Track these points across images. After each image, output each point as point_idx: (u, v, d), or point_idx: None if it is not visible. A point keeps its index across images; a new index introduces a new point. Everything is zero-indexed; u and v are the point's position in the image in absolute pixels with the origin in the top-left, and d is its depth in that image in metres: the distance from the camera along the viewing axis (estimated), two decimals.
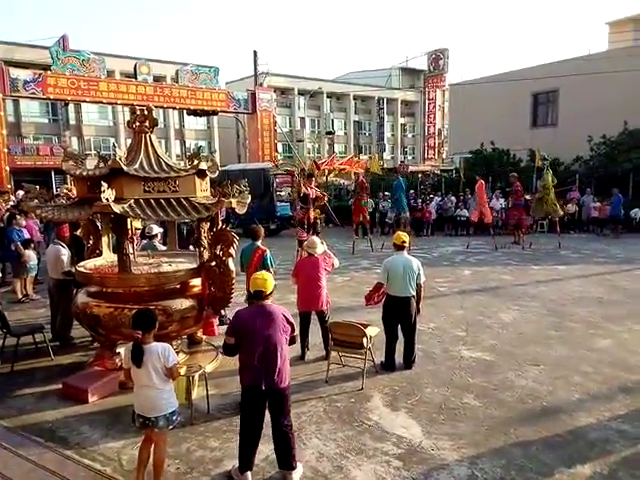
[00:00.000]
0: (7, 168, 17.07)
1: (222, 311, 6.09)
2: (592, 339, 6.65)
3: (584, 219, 17.91)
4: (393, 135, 52.88)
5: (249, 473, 3.70)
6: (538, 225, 17.63)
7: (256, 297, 3.80)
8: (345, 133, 50.07)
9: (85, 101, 20.01)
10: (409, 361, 5.76)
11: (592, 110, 20.42)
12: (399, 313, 5.69)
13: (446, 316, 7.78)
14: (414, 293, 5.68)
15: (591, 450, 4.04)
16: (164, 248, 7.32)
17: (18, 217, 9.94)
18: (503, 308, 8.19)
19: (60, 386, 5.23)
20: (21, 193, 14.05)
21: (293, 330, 3.83)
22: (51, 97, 18.37)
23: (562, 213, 14.64)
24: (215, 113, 23.72)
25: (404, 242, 5.82)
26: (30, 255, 9.26)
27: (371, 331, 5.50)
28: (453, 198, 19.01)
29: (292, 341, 3.94)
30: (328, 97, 47.54)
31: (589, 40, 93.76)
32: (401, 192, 14.79)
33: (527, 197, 15.06)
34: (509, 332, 7.00)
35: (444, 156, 43.31)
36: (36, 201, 5.36)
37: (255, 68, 25.92)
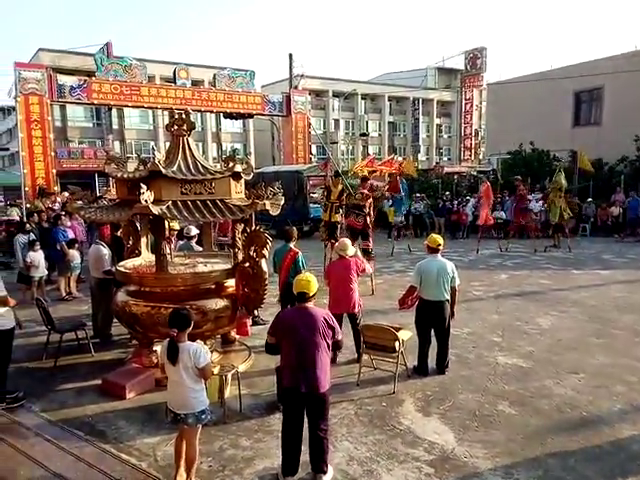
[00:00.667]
0: (54, 171, 17.82)
1: (255, 311, 6.17)
2: (637, 347, 6.36)
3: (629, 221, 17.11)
4: (428, 136, 52.18)
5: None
6: (580, 228, 17.02)
7: (299, 299, 3.80)
8: (379, 134, 49.77)
9: (127, 106, 20.68)
10: (442, 366, 5.67)
11: (639, 108, 19.53)
12: (432, 317, 5.61)
13: (481, 321, 7.61)
14: (448, 297, 5.58)
15: (634, 463, 3.86)
16: (200, 249, 7.48)
17: (63, 217, 10.39)
18: (541, 313, 7.94)
19: (100, 382, 5.42)
20: (66, 194, 14.69)
21: (336, 334, 3.77)
22: (95, 102, 19.07)
23: (567, 217, 14.17)
24: (251, 116, 24.04)
25: (439, 245, 5.73)
26: (74, 254, 9.65)
27: (403, 335, 5.44)
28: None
29: (336, 345, 3.92)
30: (362, 98, 47.39)
31: (635, 36, 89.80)
32: (403, 195, 13.71)
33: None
34: (547, 338, 6.78)
35: (481, 157, 42.43)
36: (80, 202, 5.59)
37: (290, 71, 26.13)
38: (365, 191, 10.32)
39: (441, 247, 5.76)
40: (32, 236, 9.71)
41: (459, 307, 6.08)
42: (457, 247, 15.10)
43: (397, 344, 5.20)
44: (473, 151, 47.17)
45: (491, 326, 7.35)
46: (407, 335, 5.59)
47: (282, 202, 6.06)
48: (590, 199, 17.27)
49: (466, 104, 47.68)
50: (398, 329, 5.41)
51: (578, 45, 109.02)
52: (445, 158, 52.13)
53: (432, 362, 5.69)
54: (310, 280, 3.82)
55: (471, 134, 47.51)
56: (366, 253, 9.96)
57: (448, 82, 51.87)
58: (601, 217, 17.15)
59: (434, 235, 5.97)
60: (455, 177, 26.15)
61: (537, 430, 4.38)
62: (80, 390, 5.39)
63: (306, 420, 3.75)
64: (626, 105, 20.20)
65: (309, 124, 24.09)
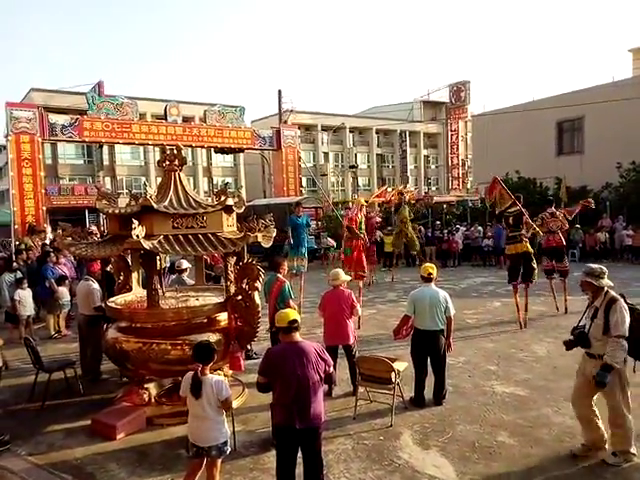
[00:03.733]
0: (44, 208, 17.78)
1: (248, 345, 6.09)
2: (634, 373, 6.32)
3: (617, 247, 17.35)
4: (416, 167, 53.07)
5: None
6: (569, 254, 17.17)
7: (285, 331, 3.69)
8: (368, 166, 50.53)
9: (118, 143, 20.88)
10: (439, 397, 5.59)
11: (619, 136, 20.13)
12: (427, 347, 5.57)
13: (476, 349, 7.56)
14: (442, 326, 5.56)
15: None
16: (192, 282, 7.43)
17: (52, 254, 10.29)
18: (536, 340, 7.92)
19: (89, 422, 5.27)
20: (49, 231, 14.66)
21: (328, 366, 3.70)
22: (86, 140, 19.24)
23: (418, 248, 14.55)
24: (241, 150, 24.36)
25: (430, 274, 5.75)
26: (63, 292, 9.51)
27: (399, 365, 5.39)
28: (480, 228, 18.79)
29: (329, 378, 3.85)
30: (351, 132, 48.33)
31: (611, 67, 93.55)
32: (300, 230, 10.36)
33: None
34: (543, 366, 6.75)
35: (469, 186, 43.12)
36: (70, 239, 5.57)
37: (280, 106, 26.69)
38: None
39: (433, 276, 5.78)
40: (19, 274, 9.58)
41: (454, 336, 6.04)
42: (448, 275, 15.14)
43: (393, 375, 5.13)
44: (461, 180, 48.02)
45: (486, 354, 7.31)
46: (403, 366, 5.53)
47: (274, 234, 6.09)
48: (578, 225, 17.54)
49: (452, 135, 48.86)
50: (394, 360, 5.36)
51: (558, 77, 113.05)
52: (434, 188, 52.88)
53: (429, 393, 5.61)
54: (287, 312, 3.76)
55: (458, 164, 48.49)
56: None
57: (434, 114, 53.18)
58: (589, 243, 17.37)
59: (427, 264, 6.01)
60: (444, 206, 26.48)
61: (538, 460, 4.31)
62: (69, 431, 5.22)
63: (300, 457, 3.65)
64: (607, 134, 20.84)
65: (299, 157, 24.43)
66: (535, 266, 9.01)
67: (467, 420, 5.15)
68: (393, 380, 5.14)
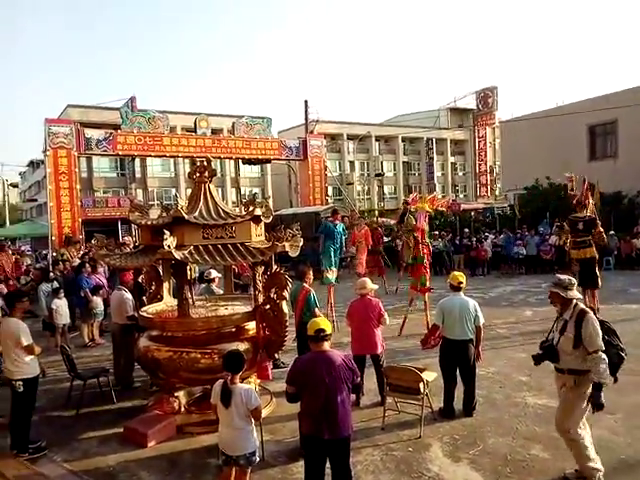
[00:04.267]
0: (79, 220, 18.41)
1: (276, 354, 6.12)
2: None
3: None
4: (443, 174, 52.51)
5: None
6: (604, 262, 16.65)
7: (314, 340, 3.69)
8: (394, 174, 50.30)
9: (150, 155, 21.51)
10: (469, 408, 5.49)
11: None
12: (456, 357, 5.49)
13: (507, 360, 7.40)
14: (472, 336, 5.47)
15: None
16: (221, 292, 7.54)
17: (87, 265, 10.64)
18: None
19: (121, 429, 5.39)
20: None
21: (356, 376, 3.71)
22: (120, 153, 19.89)
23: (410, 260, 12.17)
24: (268, 161, 24.70)
25: (460, 283, 5.68)
26: (97, 301, 9.80)
27: (428, 376, 5.32)
28: (510, 235, 18.42)
29: (357, 388, 3.86)
30: (376, 140, 48.28)
31: None
32: (329, 241, 9.79)
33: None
34: None
35: (497, 193, 42.37)
36: (104, 250, 5.75)
37: (306, 117, 26.94)
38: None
39: (463, 285, 5.70)
40: (56, 284, 9.93)
41: (484, 346, 5.94)
42: (477, 284, 14.87)
43: (422, 385, 5.08)
44: (489, 187, 47.22)
45: (518, 365, 7.13)
46: (432, 376, 5.46)
47: (301, 243, 6.13)
48: (612, 232, 16.99)
49: (479, 142, 48.20)
50: (422, 370, 5.30)
51: (587, 80, 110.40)
52: (461, 195, 52.19)
53: (458, 404, 5.52)
54: (319, 322, 3.76)
55: (486, 171, 47.73)
56: None
57: (460, 121, 52.61)
58: (624, 250, 16.79)
59: (456, 273, 5.92)
60: (472, 213, 26.10)
61: None
62: (102, 439, 5.36)
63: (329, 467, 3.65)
64: None
65: (325, 167, 24.57)
66: (598, 272, 9.24)
67: (498, 432, 5.04)
68: (422, 390, 5.08)
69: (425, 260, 9.24)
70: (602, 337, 4.00)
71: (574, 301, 4.16)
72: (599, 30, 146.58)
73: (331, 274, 9.51)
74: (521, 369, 6.92)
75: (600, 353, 3.91)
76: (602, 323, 4.13)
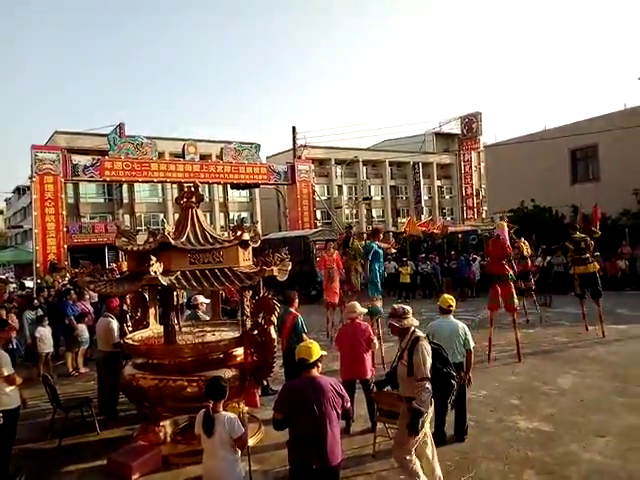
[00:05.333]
0: (65, 246, 18.20)
1: (264, 381, 6.03)
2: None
3: None
4: (430, 197, 53.16)
5: None
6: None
7: (300, 366, 3.68)
8: (382, 198, 50.81)
9: (138, 181, 21.54)
10: (461, 433, 5.43)
11: (635, 163, 19.99)
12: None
13: (497, 382, 7.36)
14: (462, 359, 5.44)
15: None
16: (207, 318, 7.45)
17: (72, 292, 10.47)
18: (560, 373, 7.68)
19: (105, 462, 5.22)
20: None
21: (345, 402, 3.65)
22: (107, 179, 19.88)
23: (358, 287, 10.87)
24: (257, 185, 24.85)
25: (450, 306, 5.68)
26: (82, 329, 9.61)
27: None
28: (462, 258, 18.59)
29: (346, 414, 3.81)
30: (364, 165, 48.89)
31: (621, 95, 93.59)
32: (376, 264, 8.66)
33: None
34: (568, 399, 6.52)
35: (484, 216, 42.88)
36: (89, 277, 5.67)
37: (294, 142, 27.23)
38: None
39: (452, 308, 5.71)
40: (40, 311, 9.73)
41: (474, 369, 5.89)
42: (466, 306, 14.89)
43: None
44: (476, 210, 47.83)
45: (508, 388, 7.10)
46: None
47: (290, 268, 6.11)
48: (597, 253, 17.21)
49: (465, 166, 49.08)
50: None
51: (568, 105, 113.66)
52: (449, 218, 52.74)
53: (449, 428, 5.45)
54: (311, 346, 3.71)
55: (472, 194, 48.44)
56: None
57: (446, 146, 53.60)
58: (609, 271, 17.00)
59: (445, 295, 5.91)
60: (460, 236, 26.31)
61: None
62: (85, 471, 5.18)
63: None
64: (622, 161, 20.70)
65: (313, 191, 24.74)
66: (600, 284, 10.46)
67: (491, 457, 4.97)
68: None
69: (513, 277, 9.17)
70: (434, 365, 4.04)
71: (411, 329, 4.21)
72: (578, 58, 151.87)
73: (380, 303, 8.54)
74: (512, 392, 6.89)
75: (424, 382, 3.95)
76: (435, 351, 4.20)
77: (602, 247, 17.35)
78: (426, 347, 4.07)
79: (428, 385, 3.93)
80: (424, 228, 16.51)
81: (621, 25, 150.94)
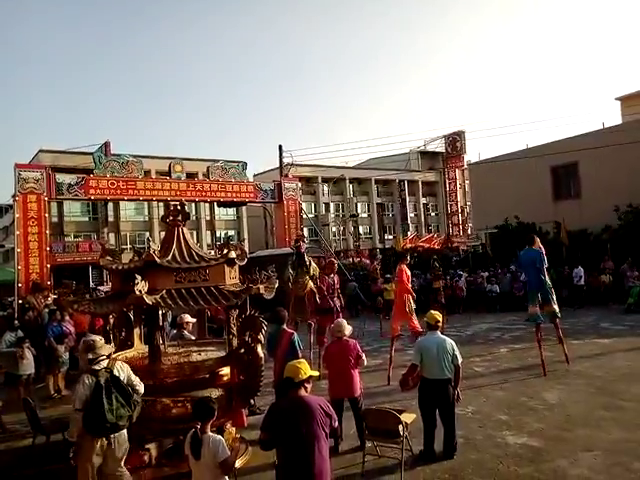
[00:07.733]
0: (48, 266, 17.87)
1: (252, 400, 5.95)
2: None
3: (626, 289, 17.09)
4: (416, 215, 53.71)
5: None
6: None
7: (287, 385, 3.62)
8: (369, 215, 51.20)
9: (123, 199, 21.33)
10: (450, 449, 5.39)
11: (615, 180, 20.48)
12: (436, 397, 5.43)
13: (485, 398, 7.36)
14: (451, 375, 5.44)
15: None
16: (193, 337, 7.36)
17: (57, 313, 10.26)
18: (546, 387, 7.72)
19: None
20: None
21: (333, 421, 3.59)
22: (92, 198, 19.65)
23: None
24: (244, 204, 24.83)
25: (437, 322, 5.70)
26: (62, 349, 9.41)
27: (407, 417, 5.24)
28: (484, 273, 18.77)
29: (334, 433, 3.76)
30: (350, 183, 49.35)
31: (601, 115, 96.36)
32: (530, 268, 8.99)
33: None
34: (555, 414, 6.54)
35: (469, 232, 43.37)
36: (72, 297, 5.59)
37: (280, 161, 27.37)
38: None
39: (440, 324, 5.73)
40: (20, 333, 9.51)
41: (461, 384, 5.91)
42: (454, 322, 14.96)
43: (401, 428, 4.99)
44: (461, 227, 48.40)
45: (496, 403, 7.10)
46: (411, 418, 5.38)
47: (277, 285, 6.09)
48: (580, 267, 17.49)
49: (450, 183, 49.86)
50: (401, 412, 5.22)
51: (550, 124, 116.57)
52: (435, 235, 53.22)
53: (439, 445, 5.42)
54: (299, 366, 3.63)
55: (457, 211, 49.12)
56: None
57: (431, 164, 54.42)
58: (593, 285, 17.24)
59: (432, 312, 5.91)
60: (449, 252, 26.53)
61: None
62: None
63: None
64: (602, 178, 21.20)
65: (300, 209, 24.79)
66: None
67: (480, 474, 4.94)
68: (401, 433, 4.99)
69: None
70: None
71: None
72: (559, 79, 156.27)
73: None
74: (500, 407, 6.90)
75: (75, 413, 4.16)
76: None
77: (585, 262, 17.70)
78: (84, 380, 4.27)
79: (76, 416, 4.15)
80: (427, 244, 16.74)
81: (600, 47, 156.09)
